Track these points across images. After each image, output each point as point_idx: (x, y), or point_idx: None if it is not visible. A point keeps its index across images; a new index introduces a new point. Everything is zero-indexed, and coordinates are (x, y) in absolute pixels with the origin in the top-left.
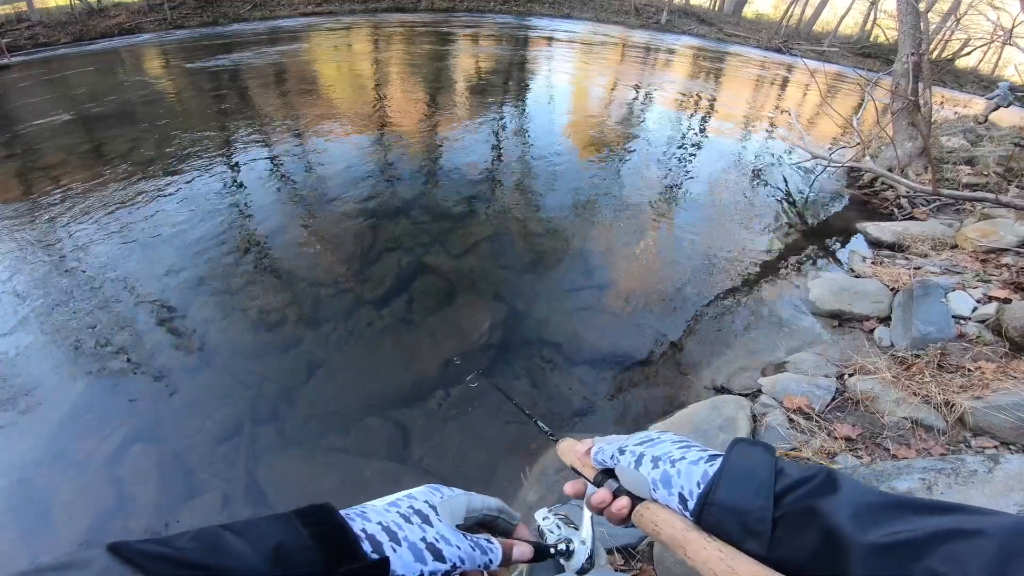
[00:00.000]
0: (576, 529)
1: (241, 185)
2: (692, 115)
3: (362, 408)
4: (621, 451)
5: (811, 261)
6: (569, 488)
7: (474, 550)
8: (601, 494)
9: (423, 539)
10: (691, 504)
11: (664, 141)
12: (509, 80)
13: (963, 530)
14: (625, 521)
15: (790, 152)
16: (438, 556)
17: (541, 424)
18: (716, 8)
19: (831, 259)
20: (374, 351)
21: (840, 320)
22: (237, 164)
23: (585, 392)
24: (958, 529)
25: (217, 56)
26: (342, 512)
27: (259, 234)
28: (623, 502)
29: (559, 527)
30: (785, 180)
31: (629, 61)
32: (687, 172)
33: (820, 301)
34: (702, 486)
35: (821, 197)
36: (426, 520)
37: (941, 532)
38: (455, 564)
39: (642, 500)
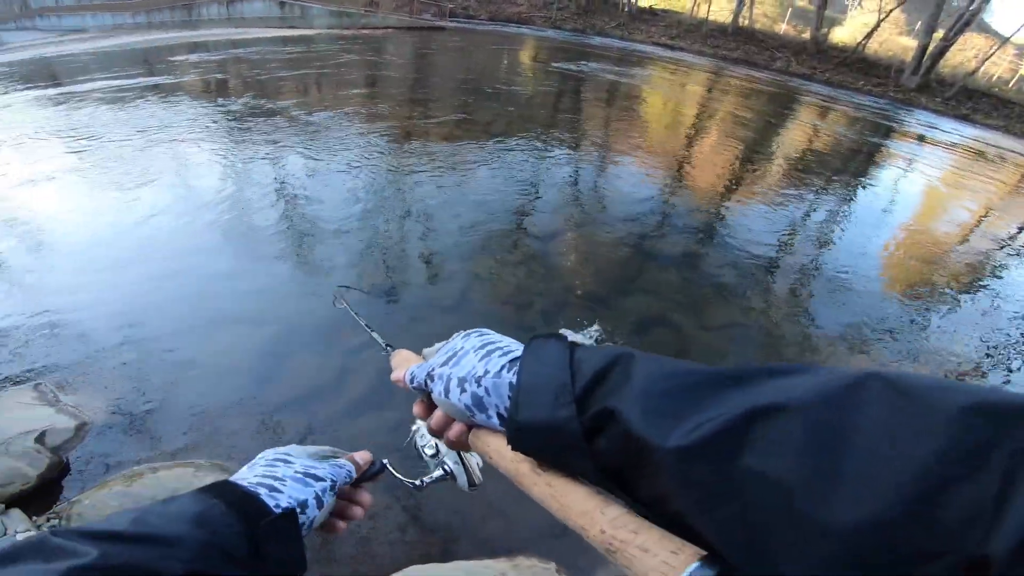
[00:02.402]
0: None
1: (540, 176)
2: None
3: None
4: (431, 376)
5: None
6: (415, 408)
7: (334, 467)
8: (436, 416)
9: (295, 471)
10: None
11: (1018, 306)
12: (843, 169)
13: (766, 410)
14: (468, 448)
15: None
16: (316, 478)
17: (376, 336)
18: None
19: None
20: None
21: None
22: (544, 158)
23: None
24: (764, 407)
25: (576, 61)
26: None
27: (534, 222)
28: (458, 428)
29: (427, 445)
30: None
31: None
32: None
33: None
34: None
35: None
36: (287, 462)
37: (746, 415)
38: (332, 478)
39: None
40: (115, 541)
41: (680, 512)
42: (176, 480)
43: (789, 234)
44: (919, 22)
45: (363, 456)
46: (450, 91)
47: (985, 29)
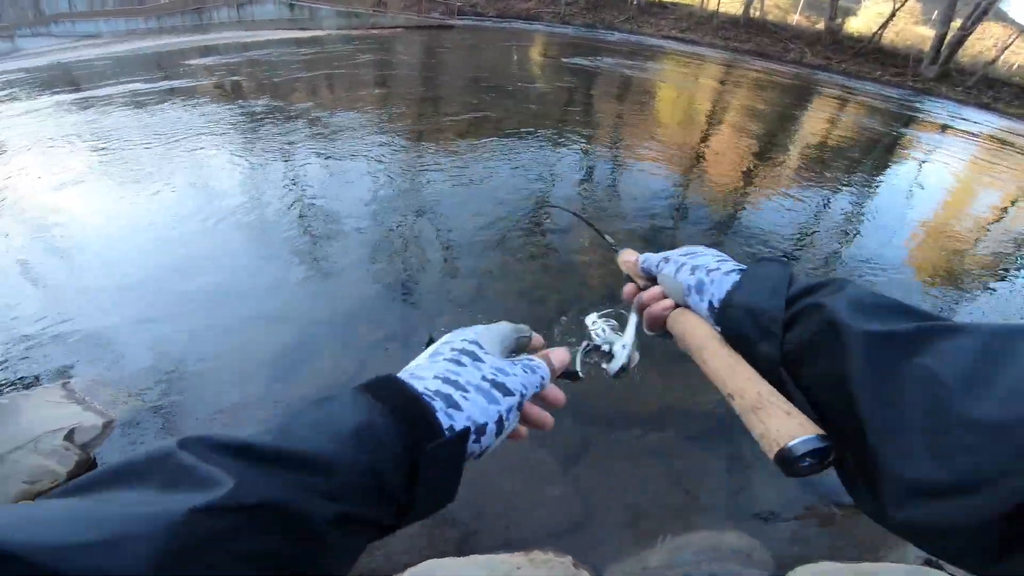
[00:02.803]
0: (620, 334)
1: (554, 172)
2: None
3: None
4: (666, 260)
5: None
6: (626, 292)
7: (527, 372)
8: (652, 291)
9: (483, 377)
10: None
11: None
12: (863, 160)
13: (951, 328)
14: (662, 326)
15: None
16: (504, 390)
17: (607, 237)
18: None
19: None
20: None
21: None
22: (558, 154)
23: (775, 493)
24: (948, 327)
25: (587, 56)
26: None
27: (550, 217)
28: (667, 302)
29: (604, 331)
30: None
31: None
32: None
33: None
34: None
35: None
36: (476, 359)
37: (931, 328)
38: (522, 392)
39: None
40: (254, 462)
41: (847, 390)
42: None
43: (810, 226)
44: (936, 11)
45: (560, 357)
46: (462, 89)
47: (1003, 18)
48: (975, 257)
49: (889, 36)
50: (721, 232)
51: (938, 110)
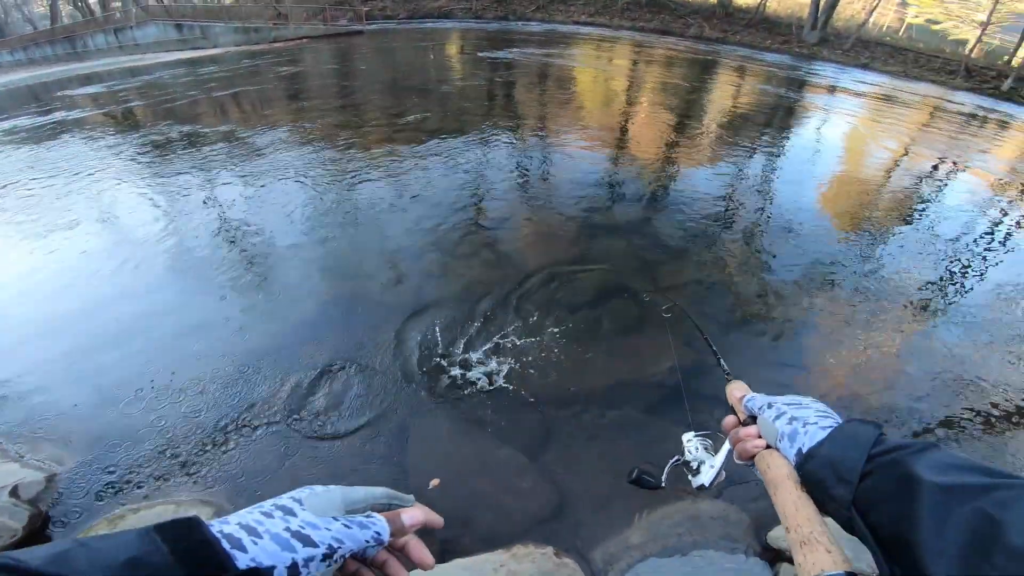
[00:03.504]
0: (712, 455)
1: (484, 166)
2: (1009, 208)
3: (512, 394)
4: (769, 405)
5: None
6: (726, 422)
7: (350, 527)
8: (749, 429)
9: (287, 528)
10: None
11: (954, 230)
12: (769, 124)
13: (1014, 483)
14: (750, 459)
15: None
16: (307, 542)
17: (723, 363)
18: None
19: None
20: (553, 352)
21: None
22: (485, 148)
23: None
24: (1011, 483)
25: (502, 49)
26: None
27: (484, 212)
28: (760, 442)
29: (698, 449)
30: None
31: (937, 129)
32: (975, 274)
33: None
34: None
35: None
36: (289, 512)
37: (998, 484)
38: (331, 546)
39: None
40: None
41: (910, 527)
42: (157, 518)
43: (731, 191)
44: None
45: (411, 515)
46: (382, 94)
47: None
48: (879, 202)
49: (772, 5)
50: (653, 206)
51: (825, 73)
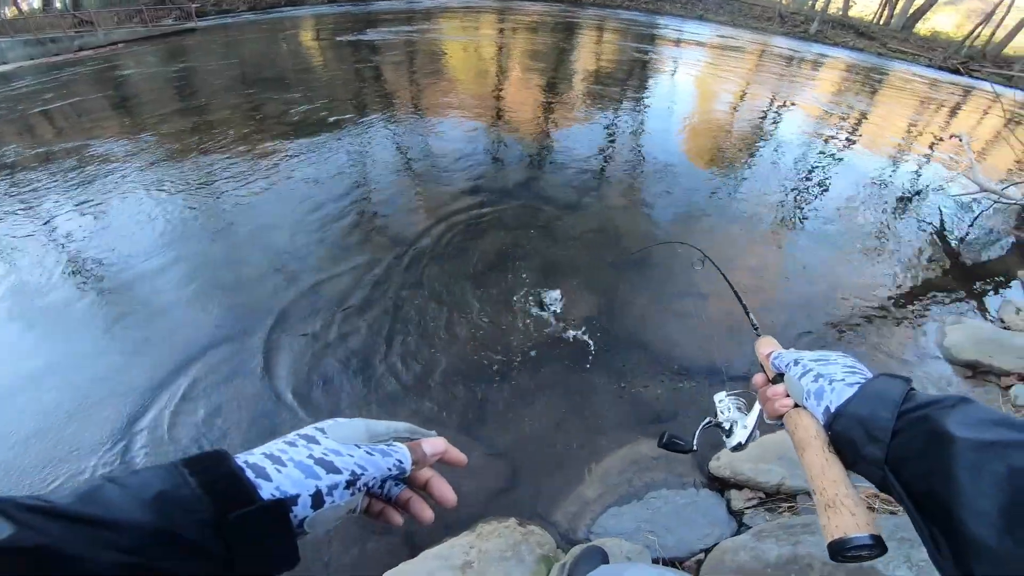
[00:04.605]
0: (745, 414)
1: (366, 153)
2: (833, 133)
3: (439, 375)
4: (796, 362)
5: (954, 305)
6: (755, 380)
7: (372, 454)
8: (776, 388)
9: (310, 456)
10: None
11: (794, 158)
12: (630, 78)
13: None
14: (779, 418)
15: (951, 182)
16: (330, 468)
17: (752, 317)
18: (880, 22)
19: (978, 306)
20: (461, 322)
21: (975, 371)
22: (360, 135)
23: (668, 394)
24: None
25: (363, 30)
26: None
27: (368, 199)
28: (787, 401)
29: (730, 409)
30: (940, 212)
31: (765, 71)
32: (818, 193)
33: (956, 348)
34: None
35: (981, 236)
36: (312, 440)
37: None
38: (354, 472)
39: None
40: (49, 517)
41: (946, 485)
42: None
43: (607, 142)
44: None
45: (433, 444)
46: (231, 92)
47: None
48: (732, 139)
49: None
50: (538, 169)
51: (670, 26)
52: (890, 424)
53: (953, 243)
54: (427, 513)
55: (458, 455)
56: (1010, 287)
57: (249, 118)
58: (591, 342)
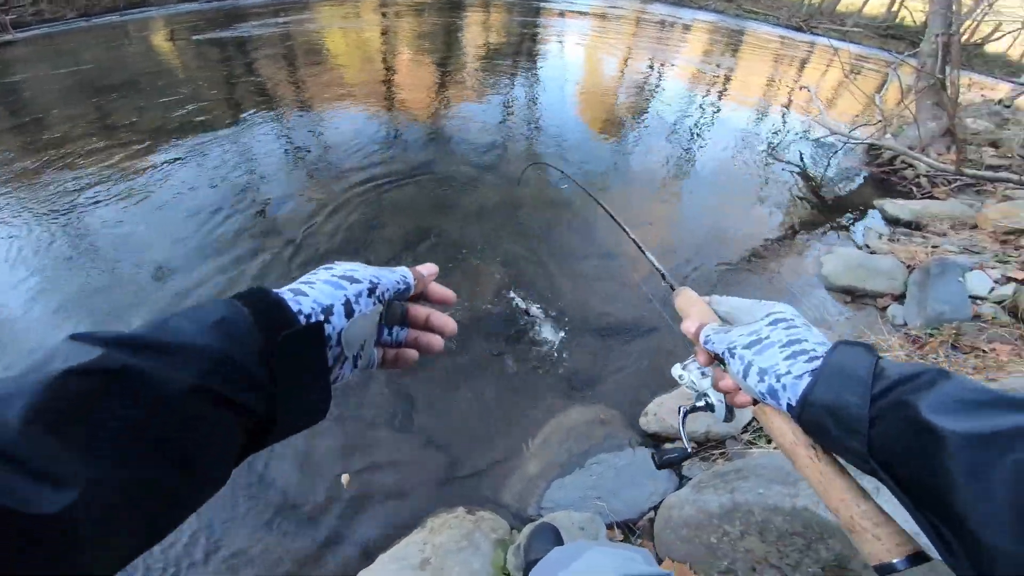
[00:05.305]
0: (707, 377)
1: (248, 155)
2: (707, 91)
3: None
4: (731, 353)
5: (825, 236)
6: (700, 360)
7: (382, 270)
8: (727, 381)
9: (332, 275)
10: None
11: (677, 117)
12: (520, 52)
13: None
14: (746, 406)
15: (808, 128)
16: (352, 280)
17: (660, 267)
18: None
19: (846, 235)
20: None
21: (853, 296)
22: (242, 138)
23: (587, 358)
24: None
25: (224, 28)
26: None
27: (260, 201)
28: (746, 398)
29: (695, 380)
30: (801, 156)
31: (643, 36)
32: (700, 147)
33: (833, 276)
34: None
35: (838, 174)
36: (327, 269)
37: None
38: (372, 281)
39: None
40: (126, 346)
41: (947, 491)
42: None
43: (504, 118)
44: None
45: (428, 268)
46: (73, 104)
47: None
48: (622, 104)
49: None
50: (436, 149)
51: None
52: (864, 411)
53: (817, 181)
54: (437, 340)
55: (447, 292)
56: (870, 216)
57: (102, 130)
58: (505, 317)
